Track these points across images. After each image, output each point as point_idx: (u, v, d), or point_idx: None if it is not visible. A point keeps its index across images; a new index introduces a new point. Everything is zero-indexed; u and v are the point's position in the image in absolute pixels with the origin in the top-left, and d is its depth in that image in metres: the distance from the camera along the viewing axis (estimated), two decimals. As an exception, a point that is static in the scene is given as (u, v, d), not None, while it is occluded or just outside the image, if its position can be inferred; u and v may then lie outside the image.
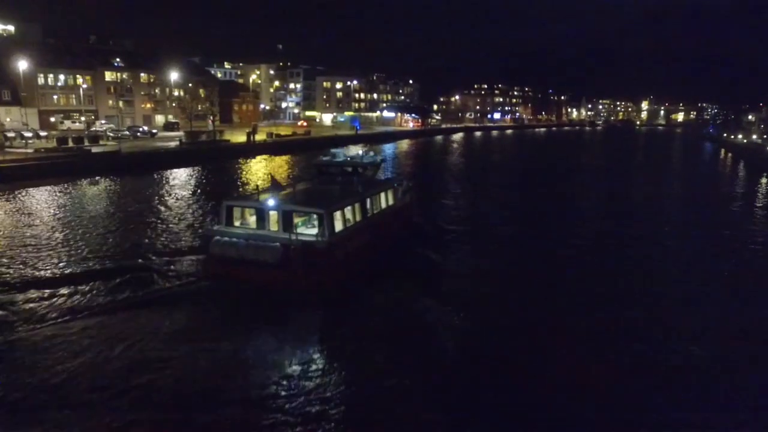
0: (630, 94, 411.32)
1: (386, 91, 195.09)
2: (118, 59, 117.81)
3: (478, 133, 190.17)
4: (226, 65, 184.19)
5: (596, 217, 46.10)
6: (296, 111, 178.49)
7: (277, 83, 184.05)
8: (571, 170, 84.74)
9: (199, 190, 51.05)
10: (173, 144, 78.17)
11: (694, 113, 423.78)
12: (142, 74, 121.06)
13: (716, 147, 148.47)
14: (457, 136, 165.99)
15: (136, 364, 17.80)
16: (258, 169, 68.65)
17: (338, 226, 24.41)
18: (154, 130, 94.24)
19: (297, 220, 24.57)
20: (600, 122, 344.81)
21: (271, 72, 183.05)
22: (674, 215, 48.57)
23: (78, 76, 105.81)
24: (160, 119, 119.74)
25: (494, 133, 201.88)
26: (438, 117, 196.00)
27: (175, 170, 63.35)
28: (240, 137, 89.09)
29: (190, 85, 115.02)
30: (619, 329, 22.01)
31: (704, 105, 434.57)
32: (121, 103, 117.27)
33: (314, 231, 23.78)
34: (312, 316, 21.12)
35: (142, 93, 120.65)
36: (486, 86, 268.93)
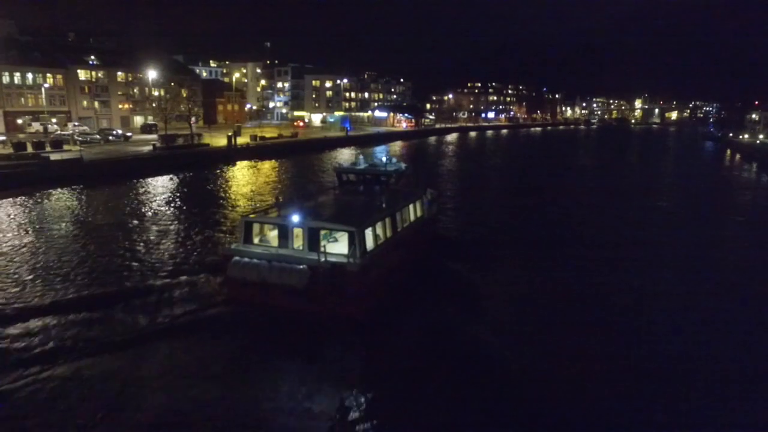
0: (624, 93, 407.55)
1: (377, 90, 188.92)
2: (92, 57, 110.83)
3: (473, 134, 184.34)
4: (212, 63, 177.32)
5: (616, 226, 42.29)
6: (284, 111, 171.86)
7: (263, 82, 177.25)
8: (577, 173, 78.98)
9: (169, 204, 44.71)
10: (147, 149, 71.58)
11: (688, 111, 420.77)
12: (119, 73, 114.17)
13: (720, 147, 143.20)
14: (452, 137, 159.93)
15: (147, 411, 15.44)
16: (238, 178, 62.22)
17: (369, 244, 22.33)
18: (129, 134, 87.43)
19: (326, 239, 22.50)
20: (595, 121, 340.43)
21: (258, 70, 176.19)
22: (706, 227, 42.82)
23: (48, 74, 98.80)
24: (139, 120, 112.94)
25: (489, 133, 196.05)
26: (432, 117, 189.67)
27: (145, 180, 56.84)
28: (221, 140, 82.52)
29: (172, 84, 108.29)
30: (649, 350, 20.82)
31: (697, 103, 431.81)
32: (96, 104, 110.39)
33: (343, 250, 21.60)
34: (344, 347, 19.30)
35: (119, 93, 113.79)
36: (480, 85, 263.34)
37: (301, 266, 20.39)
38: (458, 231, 39.04)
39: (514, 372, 18.58)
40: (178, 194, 50.18)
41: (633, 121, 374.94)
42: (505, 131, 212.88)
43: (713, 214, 50.18)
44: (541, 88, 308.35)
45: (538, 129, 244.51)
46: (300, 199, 25.49)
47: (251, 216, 24.38)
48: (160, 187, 53.92)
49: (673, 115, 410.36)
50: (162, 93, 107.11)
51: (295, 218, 21.70)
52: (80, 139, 76.63)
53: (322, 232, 22.33)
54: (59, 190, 49.43)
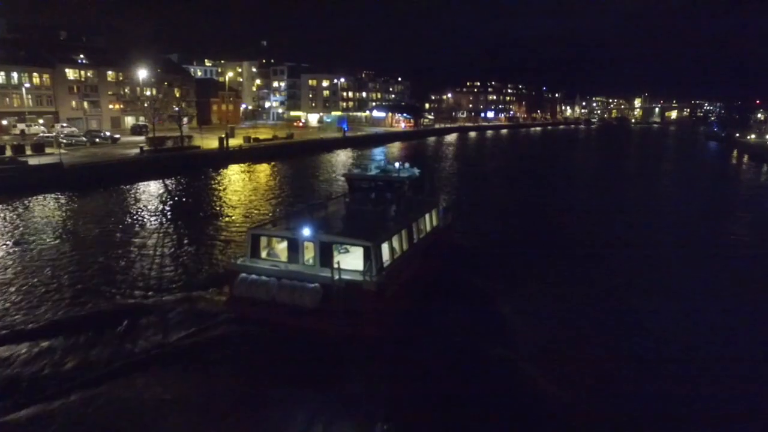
0: (623, 92, 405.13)
1: (375, 89, 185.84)
2: (81, 55, 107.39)
3: (472, 134, 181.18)
4: (207, 63, 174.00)
5: (630, 232, 40.33)
6: (280, 111, 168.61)
7: (258, 81, 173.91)
8: (585, 175, 75.87)
9: (156, 213, 41.50)
10: (134, 152, 68.30)
11: (688, 110, 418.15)
12: (109, 72, 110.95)
13: (725, 147, 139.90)
14: (451, 138, 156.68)
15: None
16: (231, 184, 58.97)
17: (385, 258, 20.91)
18: (117, 135, 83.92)
19: (336, 250, 21.07)
20: (595, 120, 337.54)
21: (254, 69, 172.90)
22: (726, 232, 39.75)
23: (34, 74, 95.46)
24: (130, 121, 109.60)
25: (489, 133, 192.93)
26: (431, 116, 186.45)
27: (131, 186, 53.59)
28: (213, 142, 79.16)
29: (165, 84, 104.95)
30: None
31: (697, 102, 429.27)
32: (85, 104, 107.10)
33: (357, 265, 20.09)
34: (360, 371, 17.56)
35: (110, 93, 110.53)
36: (479, 83, 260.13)
37: (313, 285, 19.04)
38: (472, 239, 36.59)
39: (545, 399, 17.26)
40: (166, 202, 47.00)
41: (633, 120, 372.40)
42: (505, 131, 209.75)
43: (732, 219, 47.16)
44: (540, 87, 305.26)
45: (538, 129, 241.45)
46: (310, 208, 24.17)
47: (258, 228, 22.96)
48: (147, 194, 50.73)
49: (673, 114, 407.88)
50: (154, 93, 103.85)
51: (306, 231, 20.30)
52: (65, 141, 73.27)
53: (335, 246, 20.93)
54: (38, 197, 46.22)
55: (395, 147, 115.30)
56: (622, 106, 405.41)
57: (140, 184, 55.04)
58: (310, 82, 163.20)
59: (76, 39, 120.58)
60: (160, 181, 57.38)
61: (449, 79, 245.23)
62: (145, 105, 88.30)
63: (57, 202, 45.20)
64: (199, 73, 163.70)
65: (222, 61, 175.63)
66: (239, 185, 57.04)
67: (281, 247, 22.12)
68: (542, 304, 25.25)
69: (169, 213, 42.39)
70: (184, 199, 48.64)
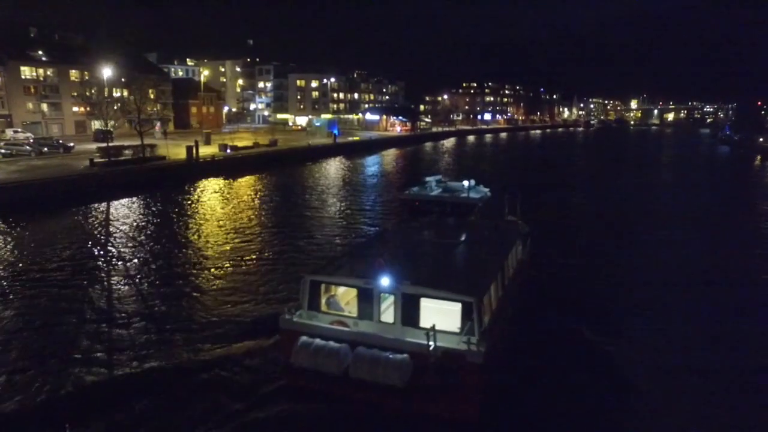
0: (620, 93, 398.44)
1: (368, 90, 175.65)
2: (40, 51, 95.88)
3: (471, 138, 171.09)
4: (189, 62, 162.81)
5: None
6: (266, 113, 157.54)
7: (241, 81, 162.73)
8: (609, 185, 65.63)
9: (100, 252, 30.57)
10: (84, 164, 57.22)
11: (685, 112, 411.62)
12: (72, 71, 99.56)
13: (743, 153, 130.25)
14: (450, 143, 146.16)
15: None
16: (197, 207, 47.93)
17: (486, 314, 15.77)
18: (70, 144, 72.47)
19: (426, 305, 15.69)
20: (594, 122, 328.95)
21: (237, 69, 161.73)
22: None
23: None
24: (98, 126, 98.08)
25: (488, 137, 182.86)
26: (428, 119, 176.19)
27: (62, 213, 42.71)
28: (183, 152, 67.90)
29: (135, 84, 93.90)
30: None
31: (694, 104, 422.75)
32: (44, 107, 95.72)
33: (451, 325, 15.21)
34: None
35: (74, 94, 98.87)
36: (475, 85, 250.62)
37: (401, 356, 14.50)
38: (551, 269, 29.34)
39: None
40: (109, 236, 36.18)
41: (632, 122, 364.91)
42: (504, 134, 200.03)
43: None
44: (537, 88, 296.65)
45: (538, 132, 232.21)
46: (374, 244, 20.21)
47: (318, 274, 17.81)
48: (85, 223, 39.97)
49: (670, 116, 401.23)
50: (125, 94, 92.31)
51: (385, 280, 15.66)
52: (3, 151, 62.13)
53: (423, 301, 15.76)
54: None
55: (391, 155, 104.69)
56: (619, 107, 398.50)
57: (79, 209, 44.12)
58: (297, 82, 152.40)
59: (48, 36, 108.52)
60: (109, 203, 46.56)
61: (445, 79, 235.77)
62: (115, 108, 77.06)
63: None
64: (180, 73, 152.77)
65: (205, 60, 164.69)
66: (209, 212, 45.91)
67: (348, 296, 17.81)
68: (665, 353, 20.07)
69: (115, 252, 31.53)
70: (130, 234, 37.64)
